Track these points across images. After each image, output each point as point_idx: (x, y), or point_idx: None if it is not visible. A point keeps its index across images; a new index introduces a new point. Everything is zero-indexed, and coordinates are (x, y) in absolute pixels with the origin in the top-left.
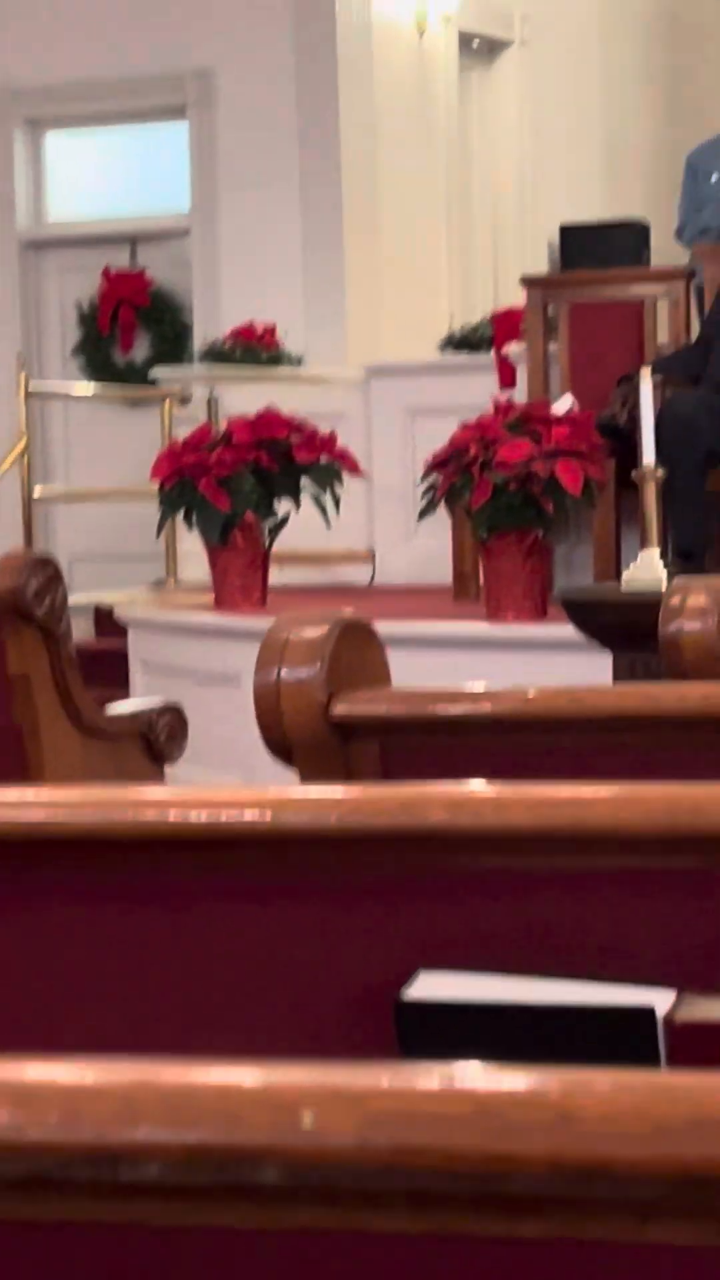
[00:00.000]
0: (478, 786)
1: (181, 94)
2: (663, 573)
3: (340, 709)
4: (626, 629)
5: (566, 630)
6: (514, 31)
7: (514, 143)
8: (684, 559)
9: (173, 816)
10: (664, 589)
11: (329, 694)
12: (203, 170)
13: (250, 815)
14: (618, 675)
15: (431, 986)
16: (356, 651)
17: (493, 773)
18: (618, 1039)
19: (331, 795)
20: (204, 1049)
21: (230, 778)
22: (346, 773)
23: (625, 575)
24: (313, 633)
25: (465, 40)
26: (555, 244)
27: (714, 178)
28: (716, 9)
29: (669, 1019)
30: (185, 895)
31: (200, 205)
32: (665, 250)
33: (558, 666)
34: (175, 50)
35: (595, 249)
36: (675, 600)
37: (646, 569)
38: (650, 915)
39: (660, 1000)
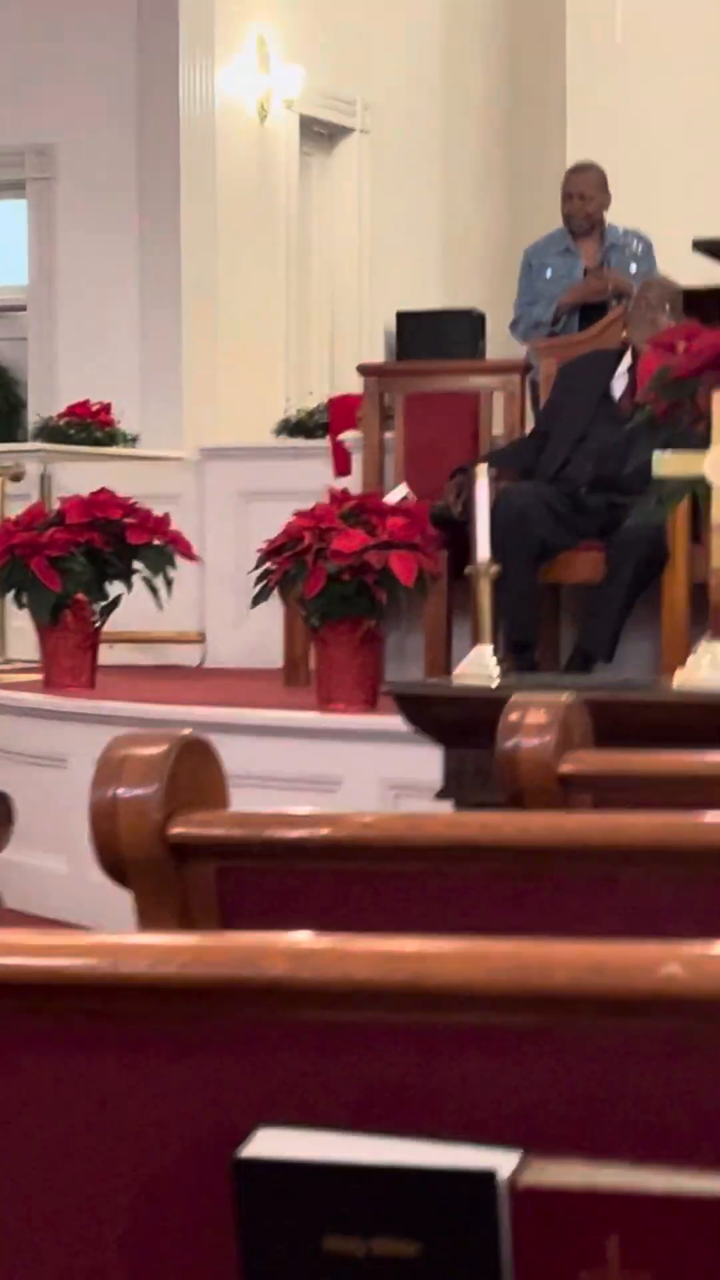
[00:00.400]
0: (320, 938)
1: (21, 169)
2: (495, 669)
3: (177, 829)
4: (457, 724)
5: (397, 722)
6: (356, 119)
7: (353, 229)
8: (516, 652)
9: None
10: (495, 685)
11: (166, 814)
12: (41, 246)
13: (84, 962)
14: (447, 770)
15: (270, 1144)
16: (195, 771)
17: (331, 899)
18: (458, 1201)
19: (170, 943)
20: (26, 1215)
21: (58, 862)
22: (182, 893)
23: (456, 670)
24: (151, 751)
25: (307, 125)
26: (392, 331)
27: (549, 273)
28: (557, 106)
29: (511, 1182)
30: (7, 1044)
31: (38, 281)
32: (503, 342)
33: (387, 758)
34: (16, 125)
35: (432, 338)
36: (514, 716)
37: (478, 665)
38: (496, 1074)
39: (503, 1163)
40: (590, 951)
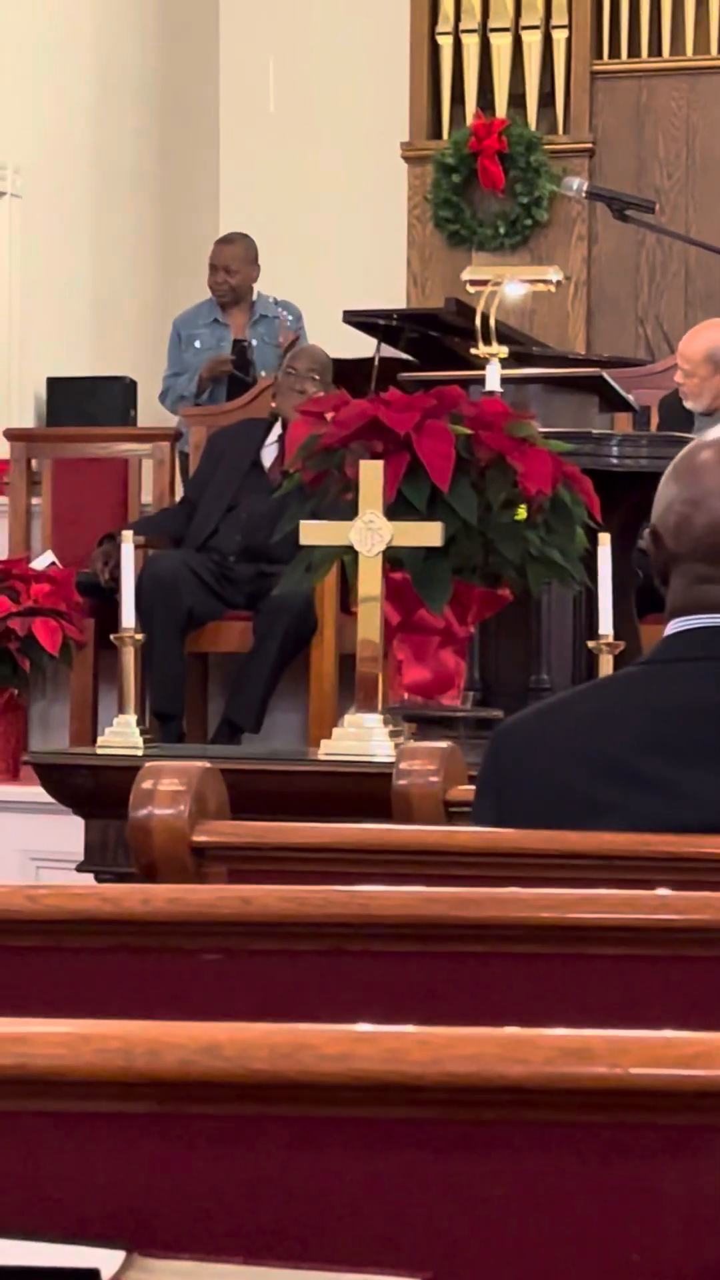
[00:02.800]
0: None
1: None
2: (138, 739)
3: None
4: (98, 795)
5: (39, 792)
6: (6, 183)
7: (3, 292)
8: (162, 722)
9: None
10: (138, 755)
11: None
12: None
13: None
14: (89, 842)
15: None
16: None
17: None
18: None
19: None
20: None
21: None
22: None
23: (100, 740)
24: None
25: None
26: (42, 396)
27: (197, 344)
28: (211, 175)
29: None
30: None
31: None
32: (154, 409)
33: (29, 829)
34: None
35: (82, 404)
36: (147, 784)
37: (122, 734)
38: (102, 1165)
39: (108, 1262)
40: (205, 1032)
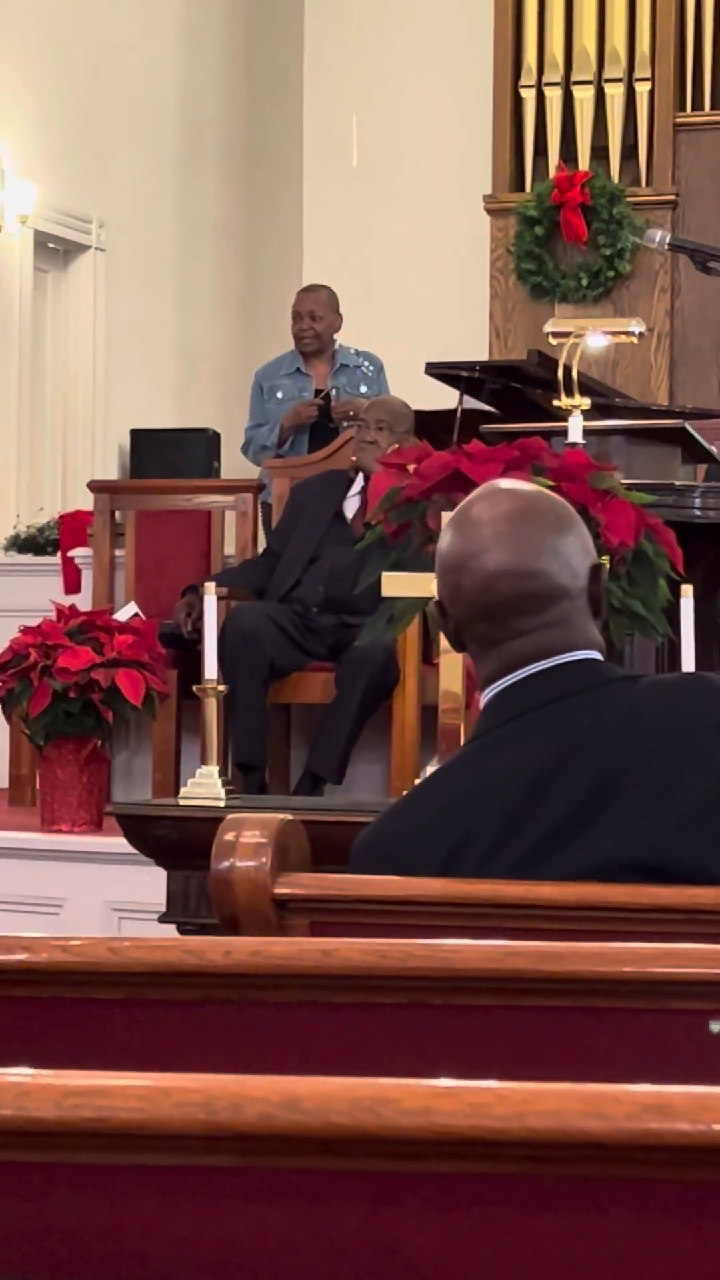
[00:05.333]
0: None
1: None
2: (221, 791)
3: (281, 890)
4: (180, 846)
5: (122, 843)
6: (91, 237)
7: (88, 345)
8: (245, 773)
9: None
10: (220, 806)
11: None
12: None
13: None
14: (171, 893)
15: None
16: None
17: (47, 1026)
18: None
19: None
20: None
21: None
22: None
23: (183, 791)
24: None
25: (41, 241)
26: (126, 448)
27: (279, 395)
28: (294, 228)
29: None
30: None
31: None
32: (237, 461)
33: (111, 880)
34: None
35: (165, 456)
36: (229, 836)
37: (204, 786)
38: (185, 1217)
39: None
40: (286, 1085)
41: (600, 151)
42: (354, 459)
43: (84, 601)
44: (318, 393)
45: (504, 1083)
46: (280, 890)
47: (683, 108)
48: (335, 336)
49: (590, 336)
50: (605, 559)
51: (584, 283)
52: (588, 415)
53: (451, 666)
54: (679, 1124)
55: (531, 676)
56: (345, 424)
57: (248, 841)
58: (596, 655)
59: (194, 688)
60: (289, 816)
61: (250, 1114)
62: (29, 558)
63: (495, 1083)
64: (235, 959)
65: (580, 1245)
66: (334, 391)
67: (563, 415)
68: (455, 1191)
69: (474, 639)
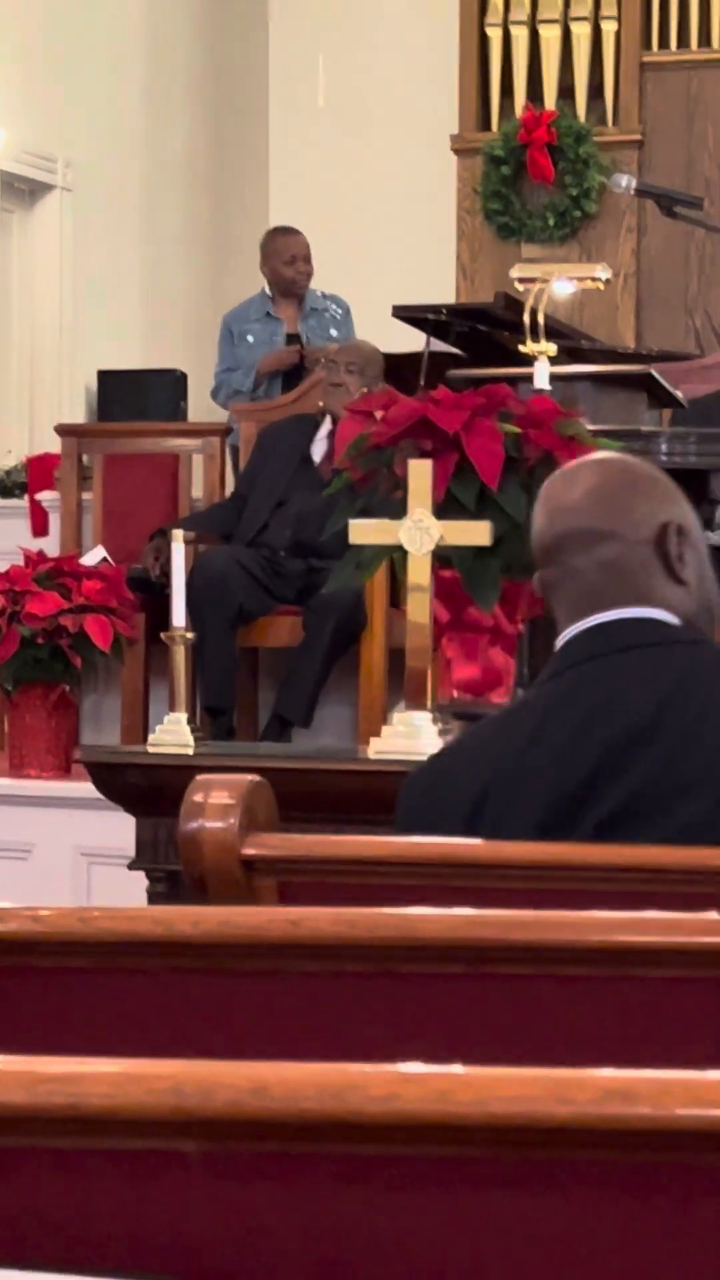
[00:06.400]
0: None
1: None
2: (189, 738)
3: (249, 850)
4: (149, 793)
5: (91, 788)
6: (57, 177)
7: (54, 286)
8: (213, 718)
9: None
10: (189, 753)
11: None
12: None
13: None
14: (140, 840)
15: None
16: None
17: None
18: None
19: None
20: None
21: None
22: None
23: (151, 738)
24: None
25: (7, 181)
26: (94, 390)
27: (250, 339)
28: (260, 168)
29: None
30: None
31: None
32: (205, 403)
33: (80, 825)
34: None
35: (133, 397)
36: (197, 797)
37: (173, 733)
38: (155, 1201)
39: None
40: (254, 1072)
41: (566, 91)
42: (321, 403)
43: (51, 544)
44: (289, 337)
45: (469, 1068)
46: (248, 851)
47: (649, 47)
48: None
49: (556, 282)
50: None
51: (550, 223)
52: (554, 360)
53: (419, 610)
54: (641, 1108)
55: (587, 631)
56: (316, 367)
57: (216, 803)
58: (663, 615)
59: (162, 635)
60: (257, 778)
61: (219, 1100)
62: None
63: (461, 1068)
64: (204, 929)
65: (544, 1226)
66: (305, 339)
67: (530, 359)
68: (421, 1175)
69: (542, 587)
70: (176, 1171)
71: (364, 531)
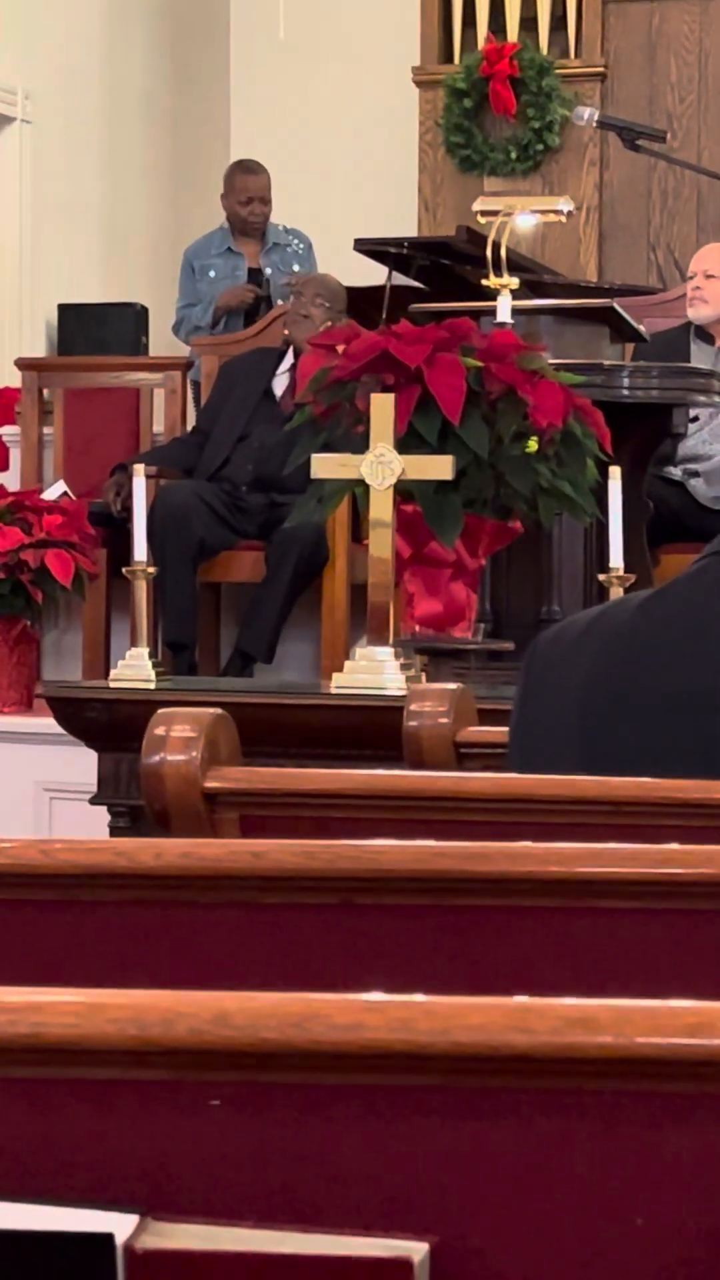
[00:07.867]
0: None
1: None
2: (151, 673)
3: (211, 784)
4: (111, 728)
5: (52, 723)
6: (16, 109)
7: (14, 218)
8: (175, 653)
9: None
10: (151, 688)
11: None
12: None
13: None
14: (102, 775)
15: None
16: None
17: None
18: (74, 1266)
19: None
20: None
21: None
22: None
23: (113, 673)
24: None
25: None
26: (54, 324)
27: (212, 274)
28: (221, 100)
29: (129, 1245)
30: None
31: None
32: (166, 337)
33: (42, 760)
34: None
35: (93, 330)
36: (159, 730)
37: (135, 668)
38: (116, 1131)
39: (121, 1225)
40: (216, 1001)
41: (529, 23)
42: (286, 331)
43: (12, 479)
44: (251, 272)
45: (431, 997)
46: (210, 784)
47: None
48: None
49: (519, 216)
50: (534, 440)
51: (513, 156)
52: (517, 293)
53: (381, 545)
54: (602, 1037)
55: None
56: (278, 301)
57: (178, 736)
58: None
59: (124, 570)
60: (219, 711)
61: (180, 1029)
62: None
63: (422, 997)
64: (166, 861)
65: (504, 1154)
66: (267, 272)
67: (492, 293)
68: (382, 1104)
69: None
70: (139, 1101)
71: (326, 466)
